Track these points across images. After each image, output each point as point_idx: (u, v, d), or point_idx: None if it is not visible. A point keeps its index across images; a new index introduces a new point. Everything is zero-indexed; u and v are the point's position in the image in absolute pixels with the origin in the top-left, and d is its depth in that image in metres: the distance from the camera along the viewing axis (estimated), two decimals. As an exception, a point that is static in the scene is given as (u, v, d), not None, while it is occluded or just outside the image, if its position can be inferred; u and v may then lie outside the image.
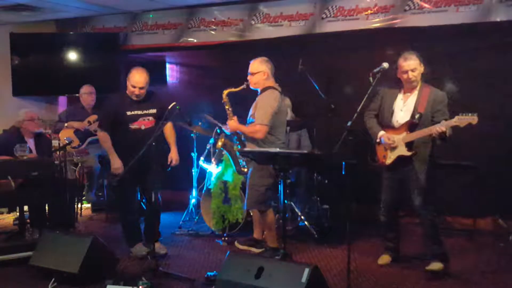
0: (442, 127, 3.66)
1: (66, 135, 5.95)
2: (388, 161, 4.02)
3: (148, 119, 4.42)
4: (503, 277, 3.98)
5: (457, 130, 3.72)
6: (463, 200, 5.20)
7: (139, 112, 4.40)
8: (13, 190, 4.50)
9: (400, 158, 3.95)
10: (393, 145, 3.95)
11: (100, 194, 6.34)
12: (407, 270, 4.12)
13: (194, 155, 5.72)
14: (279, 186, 3.67)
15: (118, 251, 4.36)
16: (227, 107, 4.50)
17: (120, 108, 4.39)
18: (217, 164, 5.34)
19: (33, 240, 4.42)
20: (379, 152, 4.10)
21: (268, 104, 4.25)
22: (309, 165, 4.91)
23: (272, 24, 6.21)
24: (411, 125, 3.90)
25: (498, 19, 5.04)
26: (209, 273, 3.85)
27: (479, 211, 5.21)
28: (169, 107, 4.13)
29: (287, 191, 4.04)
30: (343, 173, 3.53)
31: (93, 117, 6.13)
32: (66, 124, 6.13)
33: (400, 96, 4.04)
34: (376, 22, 5.60)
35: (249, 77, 4.38)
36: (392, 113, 4.04)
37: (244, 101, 4.59)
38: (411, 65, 3.88)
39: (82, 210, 6.21)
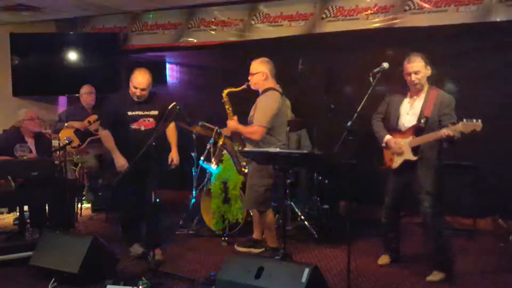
0: (448, 132, 3.60)
1: (66, 135, 5.95)
2: (395, 165, 3.97)
3: (149, 120, 4.41)
4: (503, 277, 3.98)
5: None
6: (463, 200, 5.20)
7: (140, 113, 4.39)
8: (13, 190, 4.50)
9: (406, 162, 3.90)
10: (399, 151, 3.92)
11: (100, 194, 6.34)
12: (407, 270, 4.12)
13: (194, 155, 5.72)
14: (279, 186, 3.67)
15: (118, 251, 4.35)
16: (227, 106, 4.49)
17: (121, 107, 4.38)
18: (217, 164, 5.33)
19: (33, 240, 4.42)
20: (386, 155, 4.07)
21: (267, 106, 4.24)
22: (309, 165, 4.91)
23: (272, 24, 6.21)
24: (417, 129, 3.84)
25: (498, 19, 5.04)
26: (212, 274, 3.83)
27: (479, 211, 5.21)
28: (169, 107, 4.13)
29: (287, 191, 4.04)
30: (343, 173, 3.53)
31: (93, 117, 6.13)
32: (66, 124, 6.13)
33: (407, 99, 4.00)
34: (376, 22, 5.60)
35: (249, 78, 4.38)
36: (398, 116, 4.00)
37: (245, 102, 4.58)
38: (414, 67, 3.84)
39: (82, 210, 6.21)
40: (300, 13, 6.03)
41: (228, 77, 5.75)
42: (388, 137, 4.01)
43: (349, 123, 3.56)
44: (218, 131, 5.20)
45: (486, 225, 5.29)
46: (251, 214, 4.85)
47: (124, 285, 3.53)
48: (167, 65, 7.31)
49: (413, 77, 3.85)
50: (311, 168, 5.44)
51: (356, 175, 3.64)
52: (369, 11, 5.64)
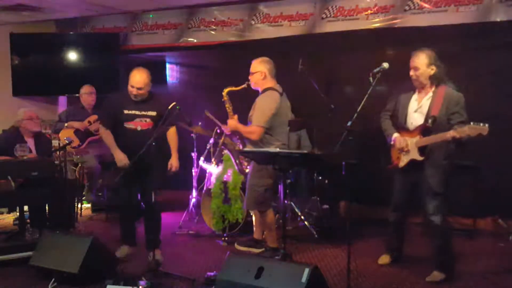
0: (455, 134, 3.56)
1: (66, 135, 5.95)
2: (401, 164, 3.94)
3: (146, 121, 4.36)
4: (503, 277, 3.98)
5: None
6: (463, 200, 5.19)
7: (137, 112, 4.34)
8: (13, 190, 4.50)
9: (413, 162, 3.87)
10: (405, 149, 3.88)
11: (100, 194, 6.34)
12: (407, 270, 4.12)
13: (194, 155, 5.72)
14: (279, 186, 3.66)
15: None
16: (227, 105, 4.49)
17: (119, 105, 4.35)
18: (217, 164, 5.34)
19: (33, 240, 4.41)
20: (394, 154, 4.04)
21: (266, 106, 4.24)
22: (309, 165, 4.91)
23: (272, 24, 6.21)
24: (424, 129, 3.79)
25: (498, 19, 5.04)
26: (209, 274, 3.84)
27: (479, 211, 5.21)
28: (169, 107, 4.12)
29: (287, 191, 4.03)
30: (343, 173, 3.53)
31: (93, 117, 6.13)
32: (66, 124, 6.13)
33: (414, 97, 3.95)
34: (376, 22, 5.60)
35: (249, 77, 4.38)
36: (406, 114, 3.96)
37: (245, 101, 4.58)
38: (414, 63, 3.82)
39: (82, 210, 6.21)
40: (300, 13, 6.03)
41: (228, 77, 5.72)
42: (396, 135, 3.98)
43: (349, 123, 3.55)
44: (218, 131, 5.21)
45: (486, 225, 5.29)
46: (251, 214, 4.85)
47: (124, 285, 3.53)
48: (167, 65, 7.32)
49: (412, 72, 3.85)
50: (311, 168, 5.44)
51: (356, 175, 3.65)
52: (369, 11, 5.64)
